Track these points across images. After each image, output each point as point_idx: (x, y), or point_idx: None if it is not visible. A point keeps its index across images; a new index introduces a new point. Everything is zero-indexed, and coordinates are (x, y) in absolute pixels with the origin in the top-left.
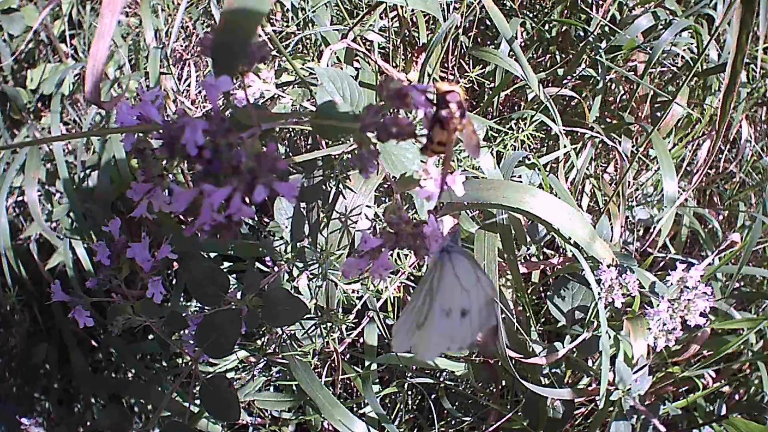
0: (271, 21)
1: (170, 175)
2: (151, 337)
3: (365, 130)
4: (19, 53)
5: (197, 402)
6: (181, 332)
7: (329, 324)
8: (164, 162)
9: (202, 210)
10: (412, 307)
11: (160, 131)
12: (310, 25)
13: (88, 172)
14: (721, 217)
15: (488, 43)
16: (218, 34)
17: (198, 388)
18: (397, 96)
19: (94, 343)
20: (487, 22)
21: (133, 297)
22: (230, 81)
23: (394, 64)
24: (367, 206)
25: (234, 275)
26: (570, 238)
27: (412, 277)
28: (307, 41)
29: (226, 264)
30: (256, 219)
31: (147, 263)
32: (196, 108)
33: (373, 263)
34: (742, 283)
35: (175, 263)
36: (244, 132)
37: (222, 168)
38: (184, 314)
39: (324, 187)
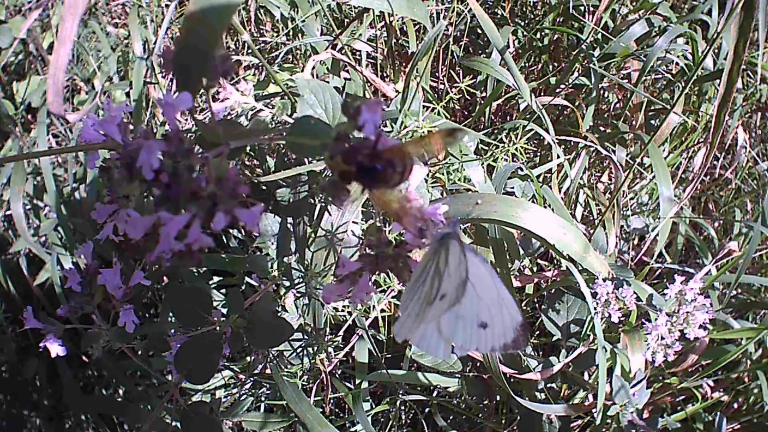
0: (261, 32)
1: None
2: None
3: (335, 155)
4: (8, 65)
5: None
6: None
7: (317, 343)
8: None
9: (161, 238)
10: (415, 292)
11: (119, 152)
12: (299, 35)
13: (77, 185)
14: (716, 225)
15: (479, 52)
16: (178, 47)
17: (180, 411)
18: (353, 115)
19: (84, 359)
20: (478, 31)
21: (108, 323)
22: (191, 98)
23: (384, 75)
24: (354, 222)
25: (224, 290)
26: (564, 252)
27: None
28: (297, 52)
29: (215, 279)
30: (245, 233)
31: (119, 290)
32: (185, 120)
33: (353, 287)
34: (739, 291)
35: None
36: (211, 151)
37: (181, 193)
38: (174, 331)
39: (312, 201)
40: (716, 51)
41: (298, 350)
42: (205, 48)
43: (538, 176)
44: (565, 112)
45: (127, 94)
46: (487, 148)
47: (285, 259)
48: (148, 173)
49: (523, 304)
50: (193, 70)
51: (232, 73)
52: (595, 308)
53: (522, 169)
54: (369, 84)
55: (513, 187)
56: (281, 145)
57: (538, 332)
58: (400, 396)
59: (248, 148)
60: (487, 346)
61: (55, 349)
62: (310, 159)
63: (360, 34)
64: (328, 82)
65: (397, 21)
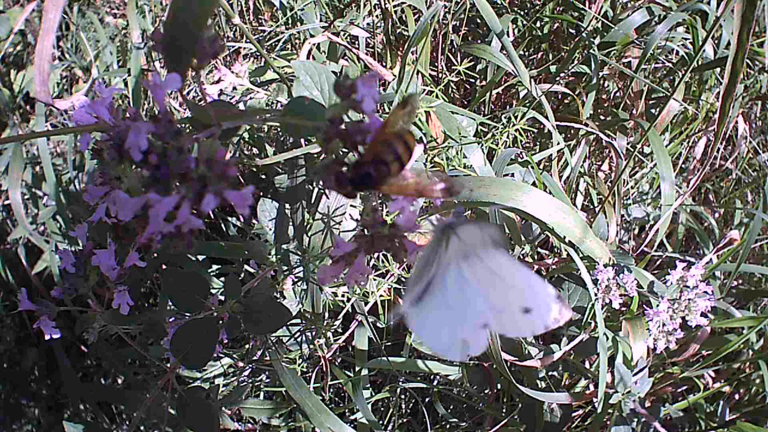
0: (260, 21)
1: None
2: None
3: (330, 140)
4: (6, 56)
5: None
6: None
7: (316, 329)
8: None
9: (150, 220)
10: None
11: (109, 133)
12: (298, 23)
13: (75, 173)
14: (716, 215)
15: (479, 41)
16: (167, 29)
17: (176, 397)
18: (346, 94)
19: (83, 348)
20: (478, 21)
21: (103, 305)
22: (179, 78)
23: (383, 65)
24: (351, 206)
25: (223, 278)
26: (565, 237)
27: (403, 279)
28: (297, 41)
29: (214, 267)
30: (243, 220)
31: (113, 271)
32: (184, 109)
33: (348, 269)
34: (740, 281)
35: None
36: (202, 132)
37: (170, 174)
38: (171, 318)
39: (311, 186)
40: (716, 42)
41: (297, 336)
42: (193, 27)
43: (538, 163)
44: (565, 101)
45: (126, 83)
46: (487, 131)
47: (282, 245)
48: (136, 154)
49: None
50: (181, 49)
51: (222, 53)
52: (595, 294)
53: (522, 156)
54: (367, 70)
55: (513, 174)
56: (280, 133)
57: None
58: (400, 384)
59: (247, 136)
60: (538, 328)
61: (49, 330)
62: (306, 142)
63: (358, 24)
64: None
65: (396, 10)
